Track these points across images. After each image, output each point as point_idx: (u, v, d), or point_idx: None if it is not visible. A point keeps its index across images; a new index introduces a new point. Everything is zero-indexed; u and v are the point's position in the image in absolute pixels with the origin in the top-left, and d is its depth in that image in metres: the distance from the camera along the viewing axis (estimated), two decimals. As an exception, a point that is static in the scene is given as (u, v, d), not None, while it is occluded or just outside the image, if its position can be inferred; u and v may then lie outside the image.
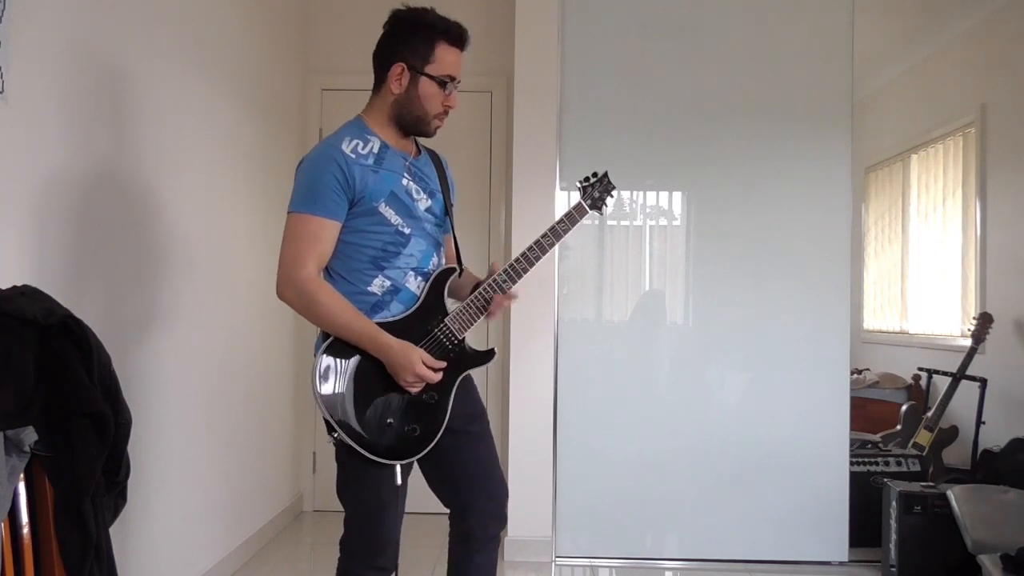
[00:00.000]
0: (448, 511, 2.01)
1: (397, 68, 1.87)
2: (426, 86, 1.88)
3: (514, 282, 1.93)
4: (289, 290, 1.81)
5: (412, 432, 1.84)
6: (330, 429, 1.80)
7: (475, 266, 2.26)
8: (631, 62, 3.53)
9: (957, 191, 4.84)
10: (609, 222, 3.57)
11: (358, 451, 1.79)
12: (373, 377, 1.82)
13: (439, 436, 1.88)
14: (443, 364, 1.87)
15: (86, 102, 2.17)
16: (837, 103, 3.50)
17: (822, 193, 3.49)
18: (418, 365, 1.81)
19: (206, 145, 2.98)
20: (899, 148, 5.57)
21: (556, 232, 1.95)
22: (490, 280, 1.92)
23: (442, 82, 1.88)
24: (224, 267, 3.13)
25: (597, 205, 2.04)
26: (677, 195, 3.58)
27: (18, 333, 1.55)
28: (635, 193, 3.58)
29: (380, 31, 1.93)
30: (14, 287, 1.71)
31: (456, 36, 1.90)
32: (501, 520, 2.00)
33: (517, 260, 1.93)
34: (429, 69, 1.87)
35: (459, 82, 1.93)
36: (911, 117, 5.42)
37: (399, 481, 1.83)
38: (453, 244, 2.06)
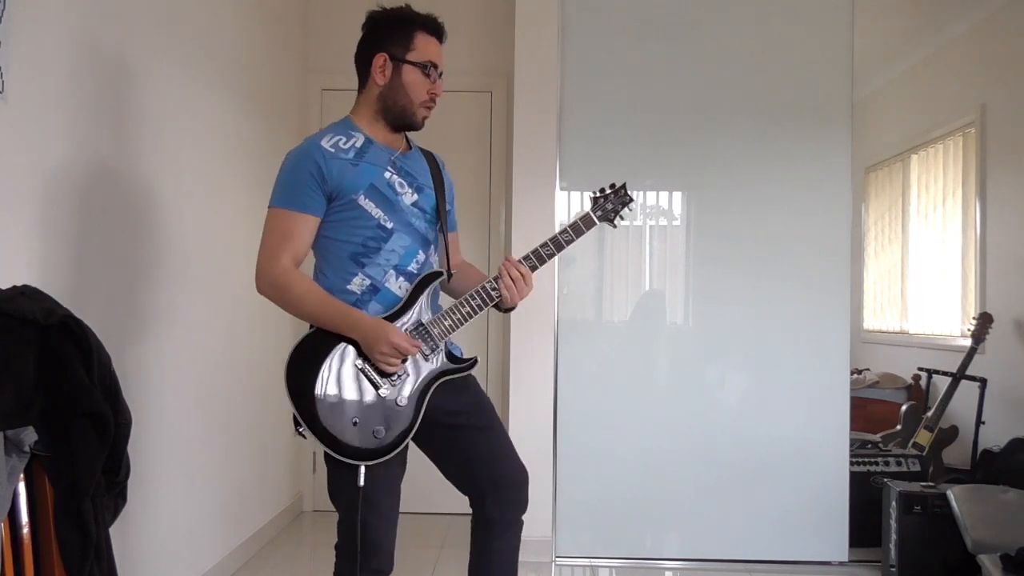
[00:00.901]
0: (469, 505, 2.01)
1: (379, 59, 1.90)
2: (409, 73, 1.91)
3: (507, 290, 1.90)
4: (264, 283, 1.85)
5: (378, 434, 1.83)
6: (297, 423, 1.81)
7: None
8: (631, 62, 3.53)
9: (957, 191, 4.84)
10: (609, 222, 3.57)
11: (325, 449, 1.80)
12: (344, 375, 1.83)
13: (407, 441, 1.86)
14: (419, 343, 1.86)
15: (86, 102, 2.17)
16: (837, 103, 3.50)
17: (822, 193, 3.49)
18: (393, 335, 1.80)
19: (206, 145, 2.98)
20: (899, 148, 5.56)
21: (558, 243, 1.94)
22: (478, 287, 1.91)
23: (424, 68, 1.91)
24: (224, 267, 3.13)
25: (609, 217, 2.01)
26: (677, 195, 3.58)
27: (18, 333, 1.55)
28: (635, 193, 3.56)
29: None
30: (14, 287, 1.71)
31: (432, 26, 1.94)
32: (520, 505, 2.01)
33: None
34: (411, 56, 1.91)
35: (441, 71, 1.95)
36: (911, 117, 5.41)
37: (361, 483, 1.80)
38: (445, 248, 2.03)
